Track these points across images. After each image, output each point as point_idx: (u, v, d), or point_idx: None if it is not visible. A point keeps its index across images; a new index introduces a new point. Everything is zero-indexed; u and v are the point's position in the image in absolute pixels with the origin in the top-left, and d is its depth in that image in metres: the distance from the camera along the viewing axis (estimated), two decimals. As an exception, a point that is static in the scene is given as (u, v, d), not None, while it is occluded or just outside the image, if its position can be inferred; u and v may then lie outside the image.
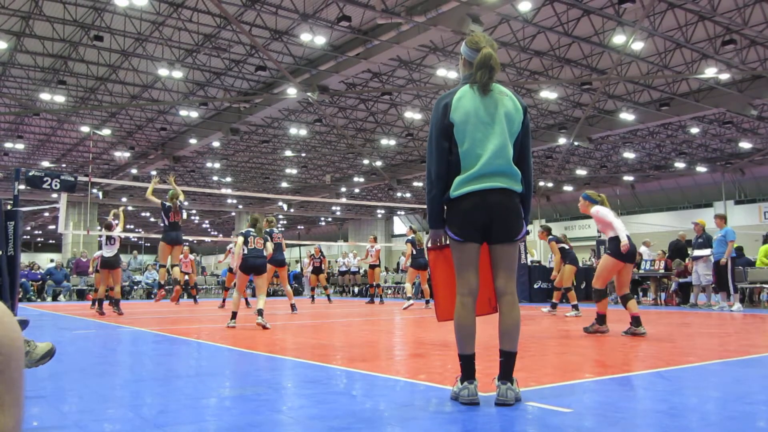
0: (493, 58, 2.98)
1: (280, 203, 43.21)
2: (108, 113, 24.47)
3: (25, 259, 29.80)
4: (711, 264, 11.72)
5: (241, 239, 7.98)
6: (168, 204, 10.55)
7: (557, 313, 10.23)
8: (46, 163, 32.01)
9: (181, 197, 10.80)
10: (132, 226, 61.38)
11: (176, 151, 28.62)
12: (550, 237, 10.66)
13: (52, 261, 21.41)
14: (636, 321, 6.36)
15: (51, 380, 3.73)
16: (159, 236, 10.80)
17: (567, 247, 10.53)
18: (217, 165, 33.49)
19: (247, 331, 7.39)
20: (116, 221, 11.20)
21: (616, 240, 6.60)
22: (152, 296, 19.86)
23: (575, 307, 9.98)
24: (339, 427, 2.49)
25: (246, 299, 14.07)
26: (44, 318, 10.34)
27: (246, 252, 7.88)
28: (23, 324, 3.75)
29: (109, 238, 10.90)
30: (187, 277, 16.49)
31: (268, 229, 9.86)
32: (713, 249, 11.63)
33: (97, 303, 11.18)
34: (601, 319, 6.70)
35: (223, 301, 13.95)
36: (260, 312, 7.65)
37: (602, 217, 6.77)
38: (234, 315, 7.75)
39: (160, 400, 3.21)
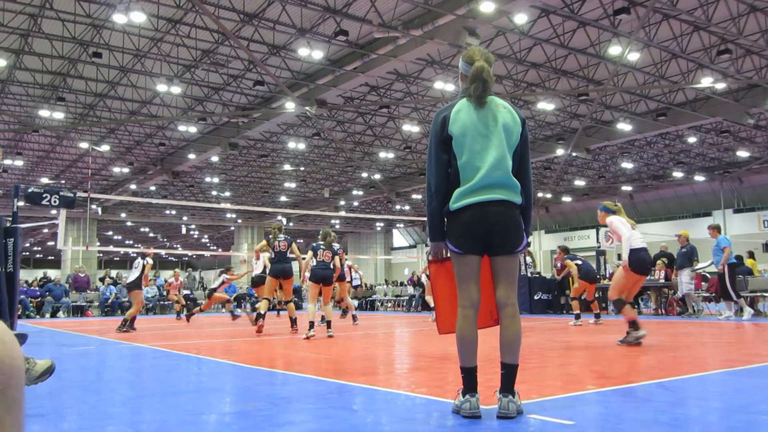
0: (486, 70, 3.00)
1: (279, 217, 43.22)
2: (107, 129, 24.54)
3: (25, 275, 29.71)
4: (694, 273, 12.13)
5: (310, 252, 8.68)
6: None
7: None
8: (45, 180, 32.02)
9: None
10: (132, 242, 61.34)
11: (175, 166, 28.66)
12: (567, 256, 11.44)
13: (43, 276, 21.14)
14: (634, 324, 6.37)
15: (50, 398, 3.71)
16: (157, 251, 10.70)
17: (580, 262, 11.15)
18: (215, 180, 33.52)
19: (247, 346, 7.36)
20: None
21: (631, 252, 6.60)
22: (150, 312, 19.76)
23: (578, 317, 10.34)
24: (340, 442, 2.47)
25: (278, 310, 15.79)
26: (43, 335, 10.30)
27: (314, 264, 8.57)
28: (21, 338, 3.72)
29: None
30: None
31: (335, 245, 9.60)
32: (713, 259, 11.72)
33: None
34: (634, 324, 6.43)
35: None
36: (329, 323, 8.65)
37: (615, 229, 6.81)
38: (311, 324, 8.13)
39: (159, 416, 3.20)
